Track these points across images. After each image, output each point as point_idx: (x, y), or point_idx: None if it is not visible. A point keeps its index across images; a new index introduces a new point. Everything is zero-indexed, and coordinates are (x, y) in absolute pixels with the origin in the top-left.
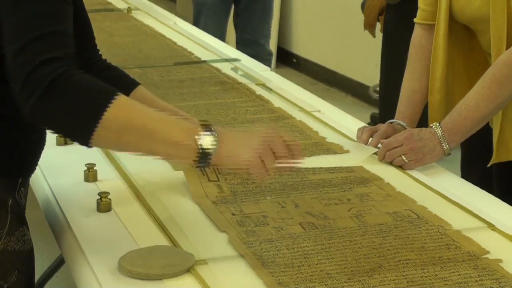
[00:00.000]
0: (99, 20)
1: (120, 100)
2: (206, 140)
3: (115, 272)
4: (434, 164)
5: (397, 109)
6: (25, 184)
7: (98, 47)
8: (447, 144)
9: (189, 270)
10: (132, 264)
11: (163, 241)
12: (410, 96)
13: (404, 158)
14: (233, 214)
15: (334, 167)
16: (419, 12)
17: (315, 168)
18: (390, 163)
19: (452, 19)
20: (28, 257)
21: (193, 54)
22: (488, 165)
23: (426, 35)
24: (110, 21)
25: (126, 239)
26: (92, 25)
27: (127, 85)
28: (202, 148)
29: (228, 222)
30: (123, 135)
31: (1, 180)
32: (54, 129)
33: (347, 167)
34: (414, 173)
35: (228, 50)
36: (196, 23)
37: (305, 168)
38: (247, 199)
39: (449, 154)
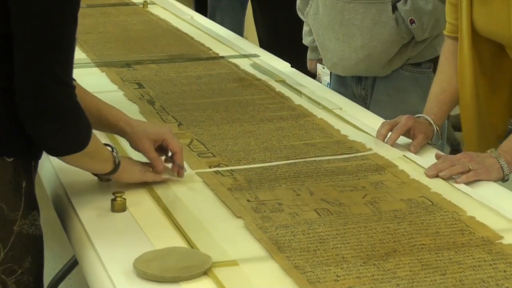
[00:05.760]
0: (114, 14)
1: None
2: (118, 156)
3: (130, 274)
4: None
5: (425, 108)
6: (36, 167)
7: (114, 41)
8: (506, 164)
9: (206, 272)
10: (147, 266)
11: (179, 242)
12: (438, 94)
13: (470, 167)
14: (248, 200)
15: (348, 156)
16: (447, 25)
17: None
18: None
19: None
20: (39, 243)
21: (210, 49)
22: None
23: (455, 43)
24: (125, 15)
25: (141, 240)
26: (107, 20)
27: None
28: (118, 161)
29: (243, 208)
30: (87, 157)
31: (17, 162)
32: (45, 143)
33: (361, 155)
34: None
35: (247, 45)
36: (211, 19)
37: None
38: (262, 186)
39: (507, 179)
